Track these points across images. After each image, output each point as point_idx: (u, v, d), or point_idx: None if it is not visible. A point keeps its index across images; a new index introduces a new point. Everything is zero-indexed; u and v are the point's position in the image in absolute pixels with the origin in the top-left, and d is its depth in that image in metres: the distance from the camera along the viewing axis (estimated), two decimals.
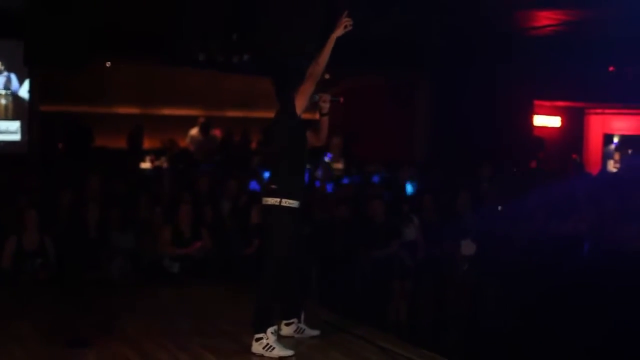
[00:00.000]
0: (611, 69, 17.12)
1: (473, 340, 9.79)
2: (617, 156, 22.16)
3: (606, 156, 22.36)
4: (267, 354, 6.42)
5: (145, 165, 17.78)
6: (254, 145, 19.49)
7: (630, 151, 21.53)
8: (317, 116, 6.99)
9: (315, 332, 7.04)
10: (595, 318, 9.08)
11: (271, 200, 6.46)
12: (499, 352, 9.23)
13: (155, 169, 16.43)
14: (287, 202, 6.40)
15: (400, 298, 10.16)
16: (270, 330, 6.46)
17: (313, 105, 6.84)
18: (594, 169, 19.68)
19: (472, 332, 10.05)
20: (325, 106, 6.87)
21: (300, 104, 6.51)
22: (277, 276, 6.53)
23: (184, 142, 19.34)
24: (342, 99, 7.17)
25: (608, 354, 8.67)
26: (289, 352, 6.46)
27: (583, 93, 19.09)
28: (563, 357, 9.02)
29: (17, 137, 16.13)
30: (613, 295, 9.12)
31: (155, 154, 18.56)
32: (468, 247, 10.44)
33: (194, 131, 19.75)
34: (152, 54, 13.73)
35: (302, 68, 6.69)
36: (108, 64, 19.24)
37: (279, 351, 6.43)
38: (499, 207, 11.39)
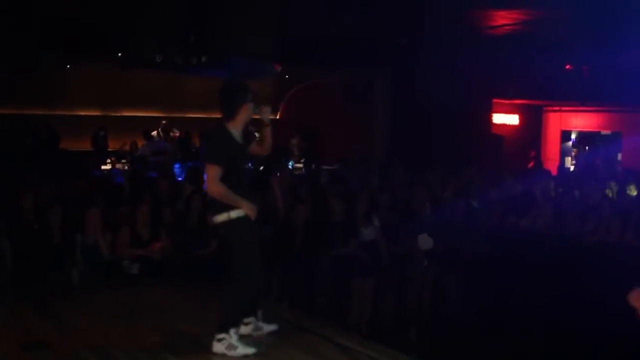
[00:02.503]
0: (568, 67, 17.31)
1: (435, 335, 9.89)
2: (574, 153, 22.46)
3: (564, 153, 22.64)
4: (230, 353, 6.42)
5: (107, 167, 17.78)
6: None
7: (587, 148, 21.82)
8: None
9: (273, 327, 7.07)
10: (554, 309, 9.23)
11: (221, 217, 6.47)
12: (461, 346, 9.31)
13: (115, 171, 16.43)
14: (235, 214, 6.42)
15: (361, 297, 10.21)
16: (232, 330, 6.48)
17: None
18: (551, 165, 19.89)
19: (435, 327, 10.15)
20: (267, 117, 6.88)
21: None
22: (250, 283, 6.53)
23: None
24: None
25: (567, 344, 8.80)
26: (252, 350, 6.48)
27: (541, 91, 19.26)
28: (523, 349, 9.14)
29: None
30: (571, 286, 9.27)
31: (117, 156, 18.57)
32: (425, 242, 10.52)
33: (154, 132, 19.80)
34: (109, 56, 13.64)
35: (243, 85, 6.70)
36: (68, 66, 19.16)
37: (242, 350, 6.44)
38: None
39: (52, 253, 9.41)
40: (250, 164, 7.30)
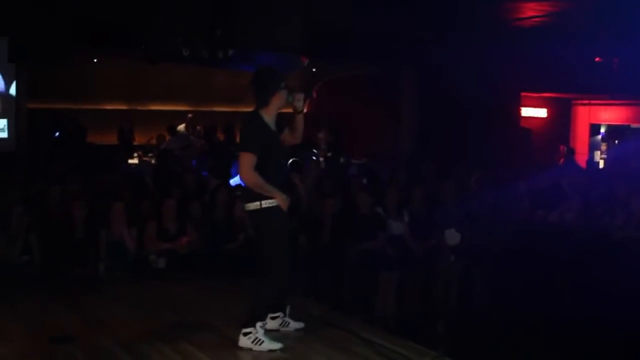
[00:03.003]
0: (597, 59, 17.15)
1: (463, 330, 9.83)
2: (603, 147, 22.22)
3: (593, 147, 22.42)
4: (255, 347, 6.39)
5: (134, 161, 17.80)
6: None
7: (616, 142, 21.60)
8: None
9: (300, 325, 7.05)
10: (582, 303, 9.15)
11: (252, 206, 6.41)
12: (487, 341, 9.25)
13: (140, 165, 16.44)
14: (267, 203, 6.35)
15: (387, 291, 10.18)
16: (259, 324, 6.44)
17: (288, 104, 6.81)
18: (580, 159, 19.72)
19: (462, 322, 10.11)
20: (300, 105, 6.76)
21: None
22: (279, 275, 6.48)
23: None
24: (315, 93, 7.07)
25: (595, 339, 8.72)
26: (278, 345, 6.45)
27: (569, 84, 19.09)
28: (551, 344, 9.07)
29: (4, 134, 16.10)
30: (599, 281, 9.19)
31: (144, 150, 18.59)
32: (452, 237, 10.48)
33: (182, 127, 19.80)
34: (136, 50, 13.65)
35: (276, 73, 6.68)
36: (95, 60, 19.18)
37: (268, 344, 6.42)
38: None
39: (77, 248, 9.42)
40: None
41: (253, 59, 11.20)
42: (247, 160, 6.31)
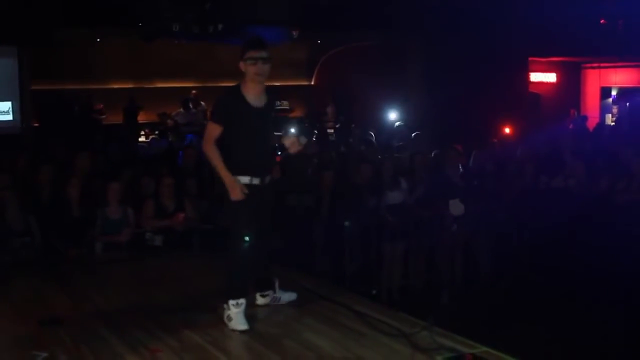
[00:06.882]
0: (602, 22, 16.96)
1: (465, 300, 9.79)
2: (615, 109, 22.00)
3: (604, 110, 22.22)
4: (228, 324, 6.27)
5: (141, 139, 17.86)
6: None
7: (627, 104, 21.39)
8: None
9: (293, 296, 6.96)
10: (587, 269, 9.09)
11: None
12: (492, 309, 9.24)
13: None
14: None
15: (392, 262, 10.12)
16: (232, 302, 6.27)
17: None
18: (592, 123, 19.58)
19: (465, 292, 10.06)
20: (288, 144, 6.61)
21: None
22: (241, 250, 6.32)
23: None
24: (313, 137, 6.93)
25: (602, 303, 8.71)
26: (243, 327, 6.21)
27: (578, 48, 18.92)
28: (559, 309, 9.00)
29: (9, 117, 16.14)
30: (603, 245, 9.11)
31: (151, 127, 18.65)
32: (456, 208, 10.37)
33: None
34: (127, 27, 13.56)
35: None
36: (98, 40, 19.16)
37: (235, 324, 6.24)
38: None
39: (73, 228, 9.36)
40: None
41: (243, 33, 11.10)
42: (209, 130, 6.26)
